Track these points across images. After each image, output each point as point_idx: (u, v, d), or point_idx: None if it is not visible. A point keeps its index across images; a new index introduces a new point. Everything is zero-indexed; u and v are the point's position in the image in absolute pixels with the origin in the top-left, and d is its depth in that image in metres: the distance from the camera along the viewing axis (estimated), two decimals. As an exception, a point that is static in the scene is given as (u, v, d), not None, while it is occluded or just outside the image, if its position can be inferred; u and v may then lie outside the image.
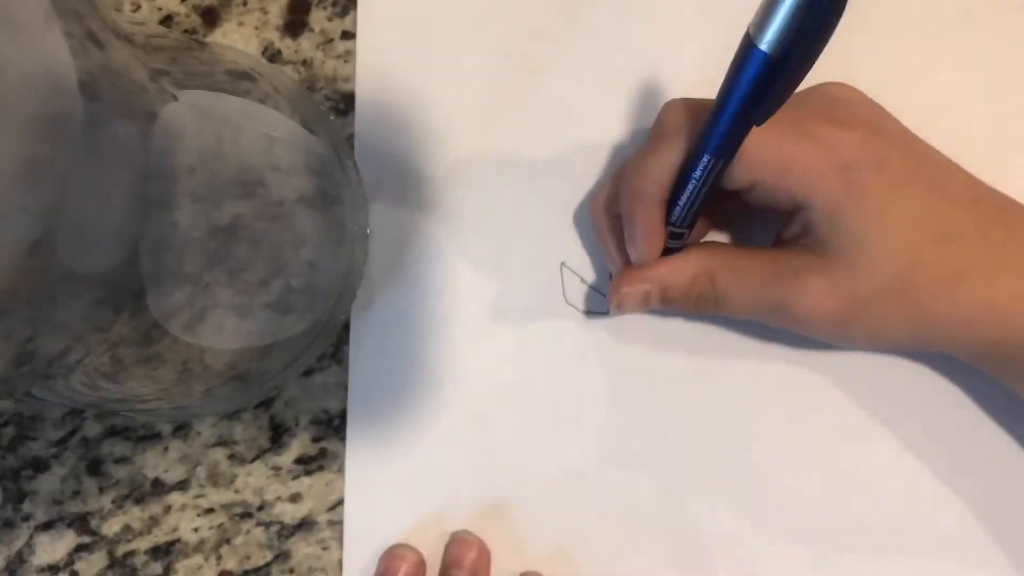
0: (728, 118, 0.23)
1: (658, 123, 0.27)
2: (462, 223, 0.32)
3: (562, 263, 0.31)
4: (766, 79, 0.21)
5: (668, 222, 0.27)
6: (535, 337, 0.31)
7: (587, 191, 0.32)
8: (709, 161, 0.24)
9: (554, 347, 0.31)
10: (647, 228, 0.27)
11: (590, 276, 0.31)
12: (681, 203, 0.26)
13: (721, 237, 0.31)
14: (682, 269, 0.28)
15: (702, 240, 0.30)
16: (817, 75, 0.22)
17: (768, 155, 0.25)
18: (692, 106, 0.27)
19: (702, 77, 0.31)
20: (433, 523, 0.31)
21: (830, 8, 0.19)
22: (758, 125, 0.23)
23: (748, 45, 0.21)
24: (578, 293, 0.31)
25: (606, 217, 0.29)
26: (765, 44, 0.20)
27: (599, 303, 0.31)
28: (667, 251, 0.28)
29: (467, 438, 0.31)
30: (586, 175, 0.32)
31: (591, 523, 0.31)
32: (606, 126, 0.32)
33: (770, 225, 0.29)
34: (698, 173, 0.25)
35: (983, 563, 0.30)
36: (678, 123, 0.26)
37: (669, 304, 0.28)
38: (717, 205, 0.28)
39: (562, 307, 0.31)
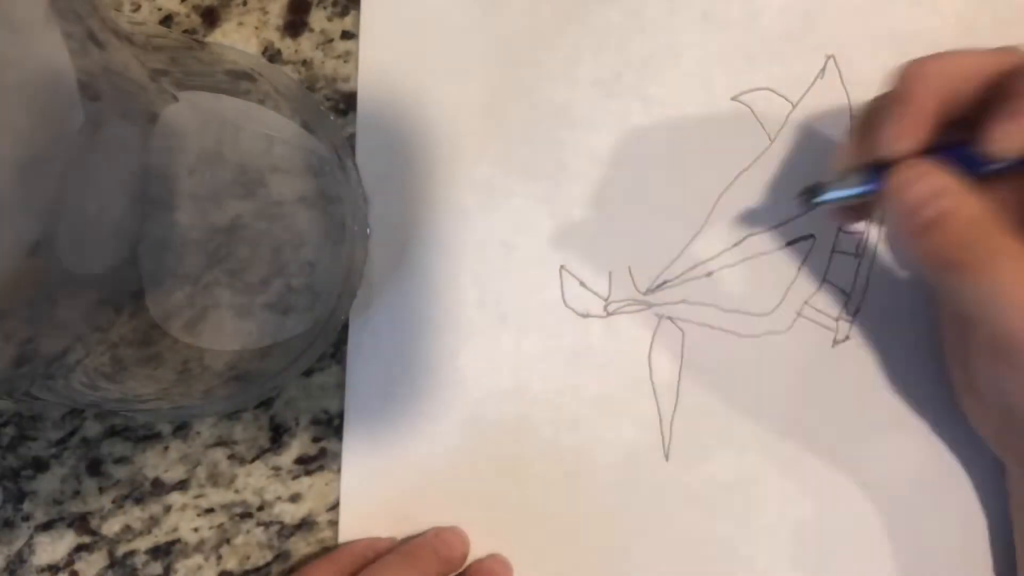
0: None
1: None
2: (462, 223, 0.32)
3: (561, 266, 0.31)
4: None
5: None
6: (533, 339, 0.31)
7: (587, 192, 0.32)
8: None
9: (552, 350, 0.31)
10: (911, 113, 0.23)
11: (589, 279, 0.31)
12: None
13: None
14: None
15: None
16: None
17: None
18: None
19: (702, 78, 0.32)
20: (429, 525, 0.31)
21: None
22: None
23: None
24: (577, 296, 0.31)
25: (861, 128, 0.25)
26: None
27: (597, 307, 0.31)
28: None
29: (464, 440, 0.31)
30: (586, 176, 0.32)
31: (589, 526, 0.31)
32: (606, 127, 0.32)
33: None
34: None
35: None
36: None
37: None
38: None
39: (561, 309, 0.31)
